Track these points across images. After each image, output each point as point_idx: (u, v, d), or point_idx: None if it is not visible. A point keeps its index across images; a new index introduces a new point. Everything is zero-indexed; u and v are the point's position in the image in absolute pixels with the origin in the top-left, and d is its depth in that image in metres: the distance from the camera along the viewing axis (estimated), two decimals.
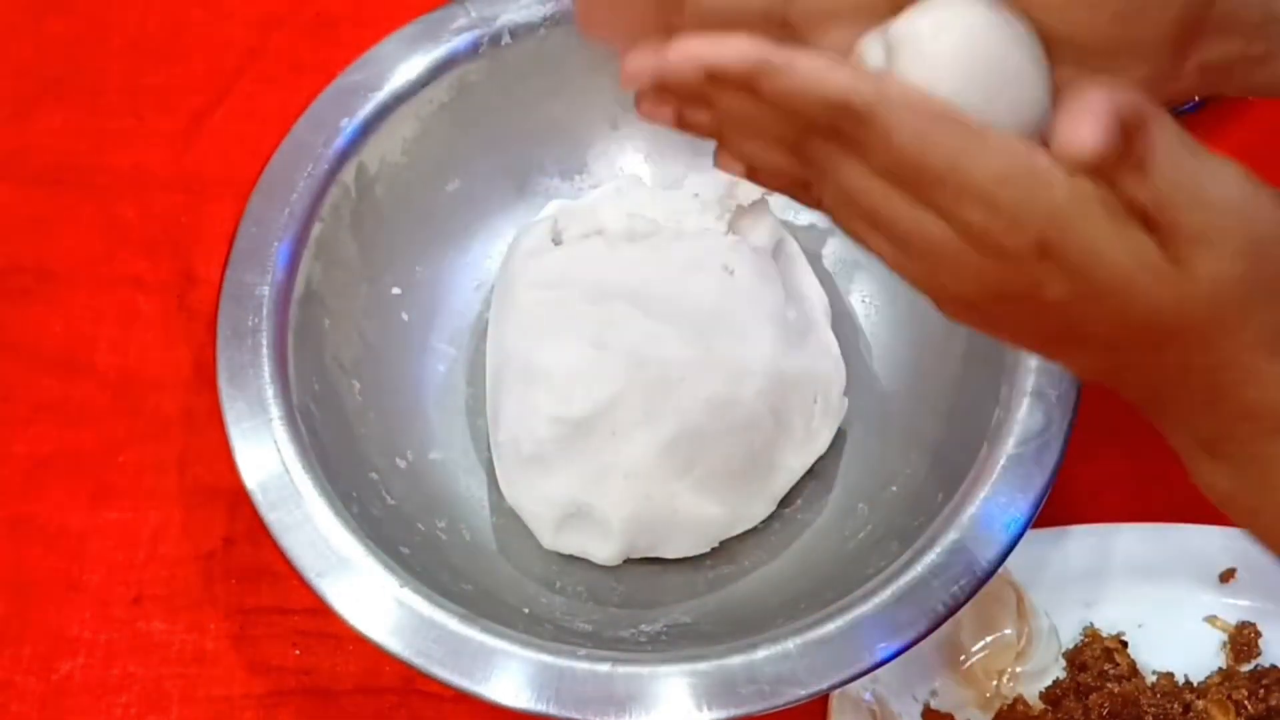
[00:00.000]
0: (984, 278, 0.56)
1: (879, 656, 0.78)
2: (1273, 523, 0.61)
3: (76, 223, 1.06)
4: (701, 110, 0.58)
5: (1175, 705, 0.87)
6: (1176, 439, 0.62)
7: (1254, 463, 0.59)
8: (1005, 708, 0.88)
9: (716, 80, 0.54)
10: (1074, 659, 0.90)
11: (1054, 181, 0.53)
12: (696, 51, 0.54)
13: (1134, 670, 0.89)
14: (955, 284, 0.57)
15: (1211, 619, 0.91)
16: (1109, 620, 0.91)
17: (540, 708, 0.77)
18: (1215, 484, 0.61)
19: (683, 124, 0.59)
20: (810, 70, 0.53)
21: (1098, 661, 0.89)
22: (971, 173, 0.53)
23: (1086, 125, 0.50)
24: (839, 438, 0.93)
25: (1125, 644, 0.90)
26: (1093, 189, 0.53)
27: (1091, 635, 0.90)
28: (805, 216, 0.99)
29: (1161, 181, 0.52)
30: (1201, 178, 0.53)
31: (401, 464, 0.91)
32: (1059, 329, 0.58)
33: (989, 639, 0.89)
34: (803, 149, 0.57)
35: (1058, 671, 0.90)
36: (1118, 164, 0.51)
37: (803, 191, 0.60)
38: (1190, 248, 0.53)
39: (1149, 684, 0.88)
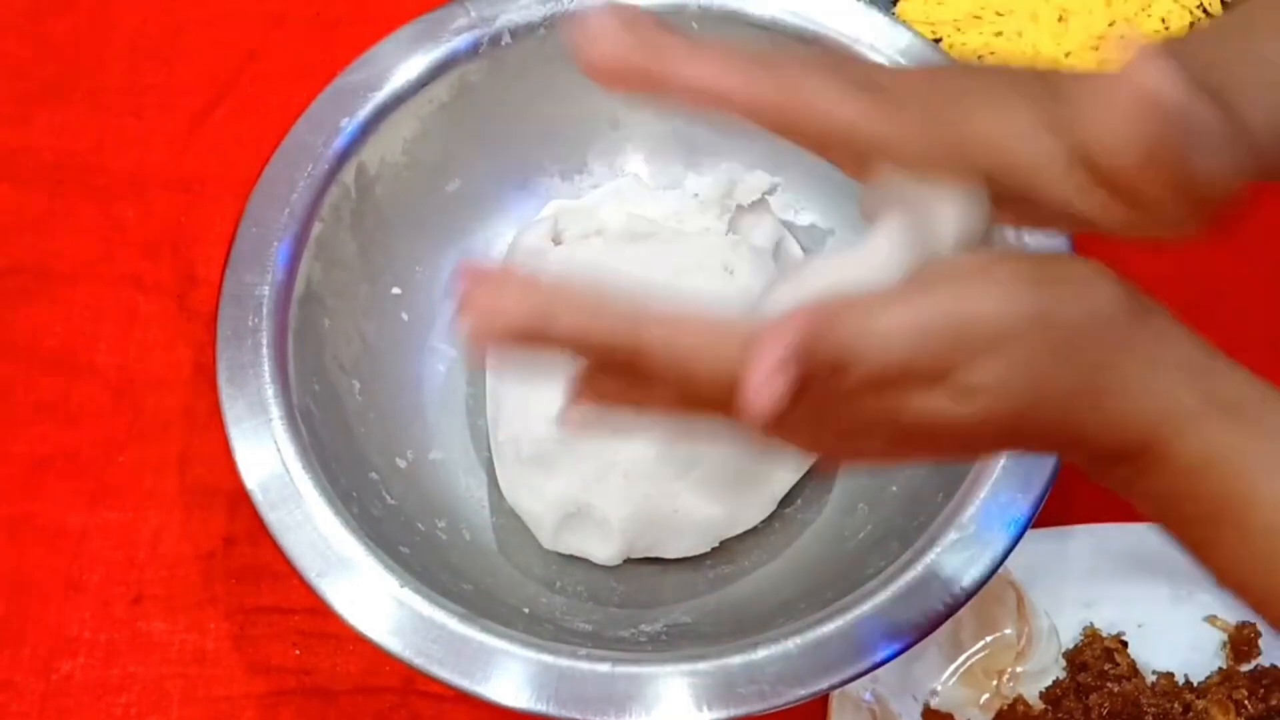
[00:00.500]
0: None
1: (879, 656, 0.78)
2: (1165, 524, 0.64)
3: (76, 223, 1.06)
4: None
5: (1175, 705, 0.87)
6: (1075, 463, 0.64)
7: (1129, 491, 0.62)
8: (1005, 708, 0.88)
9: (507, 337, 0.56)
10: (1074, 659, 0.90)
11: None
12: (491, 324, 0.55)
13: (1134, 670, 0.89)
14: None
15: (1211, 619, 0.91)
16: (1109, 620, 0.91)
17: (540, 708, 0.77)
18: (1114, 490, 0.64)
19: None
20: (573, 323, 0.55)
21: (1098, 661, 0.89)
22: (664, 360, 0.55)
23: (758, 395, 0.52)
24: None
25: (1125, 644, 0.90)
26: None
27: (1091, 635, 0.90)
28: (805, 216, 0.99)
29: (868, 366, 0.55)
30: (906, 327, 0.55)
31: (401, 464, 0.91)
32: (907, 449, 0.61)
33: (989, 639, 0.89)
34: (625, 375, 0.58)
35: (1058, 671, 0.90)
36: (812, 380, 0.54)
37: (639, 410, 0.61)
38: (938, 383, 0.56)
39: (1149, 684, 0.88)
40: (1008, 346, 0.55)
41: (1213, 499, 0.59)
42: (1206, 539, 0.61)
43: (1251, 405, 0.59)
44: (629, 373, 0.56)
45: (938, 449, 0.62)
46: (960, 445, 0.62)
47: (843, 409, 0.56)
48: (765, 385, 0.52)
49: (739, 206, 0.94)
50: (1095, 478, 0.62)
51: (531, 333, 0.55)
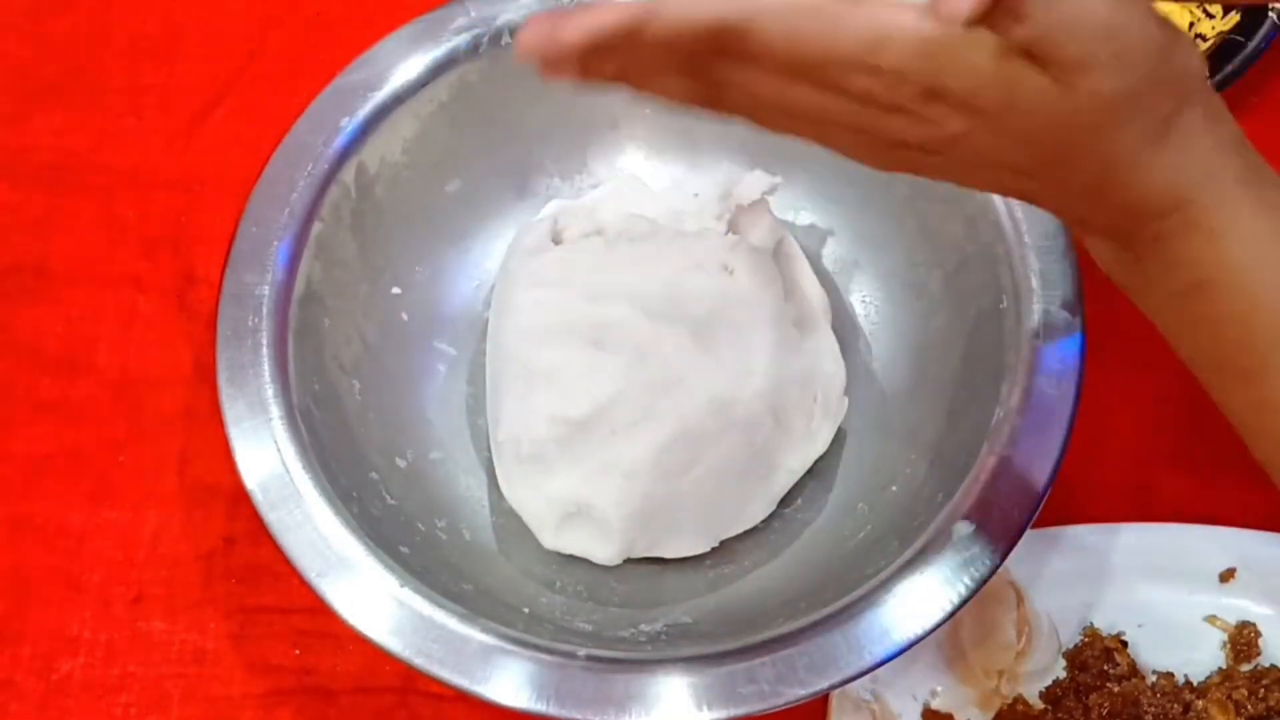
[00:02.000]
0: (892, 132, 0.62)
1: (879, 656, 0.78)
2: (1154, 310, 0.68)
3: (76, 222, 1.06)
4: (605, 61, 0.61)
5: (1175, 705, 0.87)
6: (1089, 240, 0.70)
7: (1147, 252, 0.66)
8: (1005, 707, 0.88)
9: (603, 49, 0.59)
10: (1074, 659, 0.90)
11: (919, 30, 0.58)
12: (577, 27, 0.58)
13: (1134, 670, 0.89)
14: (872, 145, 0.64)
15: (1211, 619, 0.91)
16: (1109, 620, 0.91)
17: (540, 707, 0.77)
18: (1115, 270, 0.69)
19: (587, 74, 0.62)
20: (678, 10, 0.58)
21: (1097, 661, 0.89)
22: (843, 49, 0.59)
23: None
24: (839, 437, 0.93)
25: (1125, 644, 0.90)
26: (962, 32, 0.58)
27: (1091, 635, 0.90)
28: (805, 216, 0.99)
29: (1035, 23, 0.57)
30: (1070, 10, 0.58)
31: (401, 464, 0.91)
32: (974, 161, 0.64)
33: (989, 639, 0.89)
34: (701, 72, 0.61)
35: (1058, 671, 0.90)
36: (996, 15, 0.56)
37: (716, 106, 0.64)
38: (1070, 73, 0.59)
39: (1149, 684, 0.88)
40: (1136, 66, 0.59)
41: (1217, 266, 0.63)
42: (1197, 312, 0.66)
43: (1274, 187, 0.64)
44: (735, 54, 0.59)
45: (999, 155, 0.63)
46: (1026, 155, 0.63)
47: (962, 70, 0.59)
48: None
49: (739, 206, 0.94)
50: (1111, 238, 0.67)
51: (634, 32, 0.58)
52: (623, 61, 0.61)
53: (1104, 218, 0.66)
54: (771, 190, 0.95)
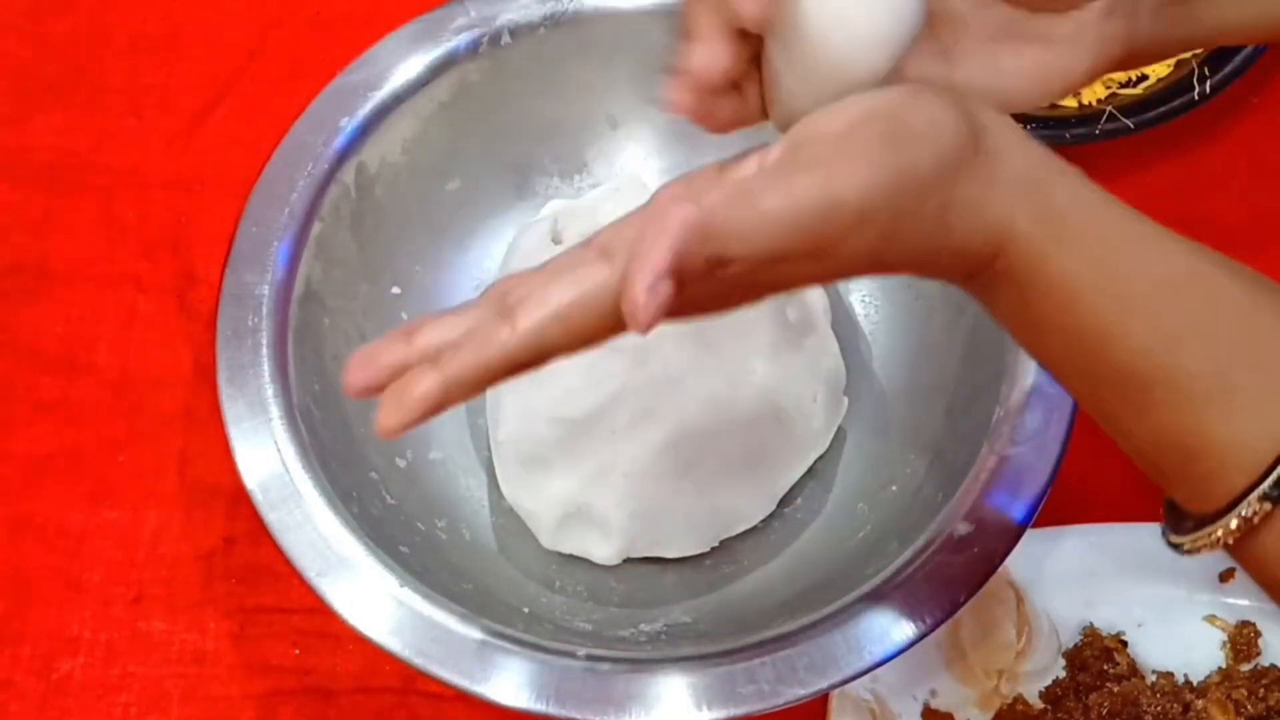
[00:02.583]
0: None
1: (879, 656, 0.78)
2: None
3: (76, 222, 1.06)
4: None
5: (1175, 705, 0.87)
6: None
7: (983, 301, 0.63)
8: (1005, 707, 0.88)
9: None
10: (1073, 658, 0.90)
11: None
12: (394, 423, 0.59)
13: (1134, 670, 0.89)
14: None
15: (1211, 619, 0.91)
16: (1109, 620, 0.91)
17: (539, 707, 0.77)
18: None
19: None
20: (472, 369, 0.58)
21: (1097, 661, 0.89)
22: (598, 333, 0.58)
23: (643, 311, 0.54)
24: (839, 437, 0.93)
25: (1125, 643, 0.90)
26: None
27: (1091, 635, 0.90)
28: None
29: (748, 260, 0.56)
30: (780, 219, 0.56)
31: (401, 464, 0.91)
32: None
33: (989, 639, 0.89)
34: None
35: (1057, 671, 0.90)
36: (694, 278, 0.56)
37: None
38: (813, 258, 0.58)
39: (1149, 684, 0.88)
40: (874, 216, 0.57)
41: (1043, 300, 0.61)
42: (1039, 342, 0.64)
43: (1073, 211, 0.60)
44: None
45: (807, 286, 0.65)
46: (826, 281, 0.66)
47: (721, 288, 0.58)
48: (648, 298, 0.54)
49: None
50: (963, 288, 0.64)
51: (442, 403, 0.58)
52: None
53: (946, 280, 0.64)
54: None
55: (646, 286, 0.53)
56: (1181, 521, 0.62)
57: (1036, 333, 0.62)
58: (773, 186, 0.56)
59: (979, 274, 0.61)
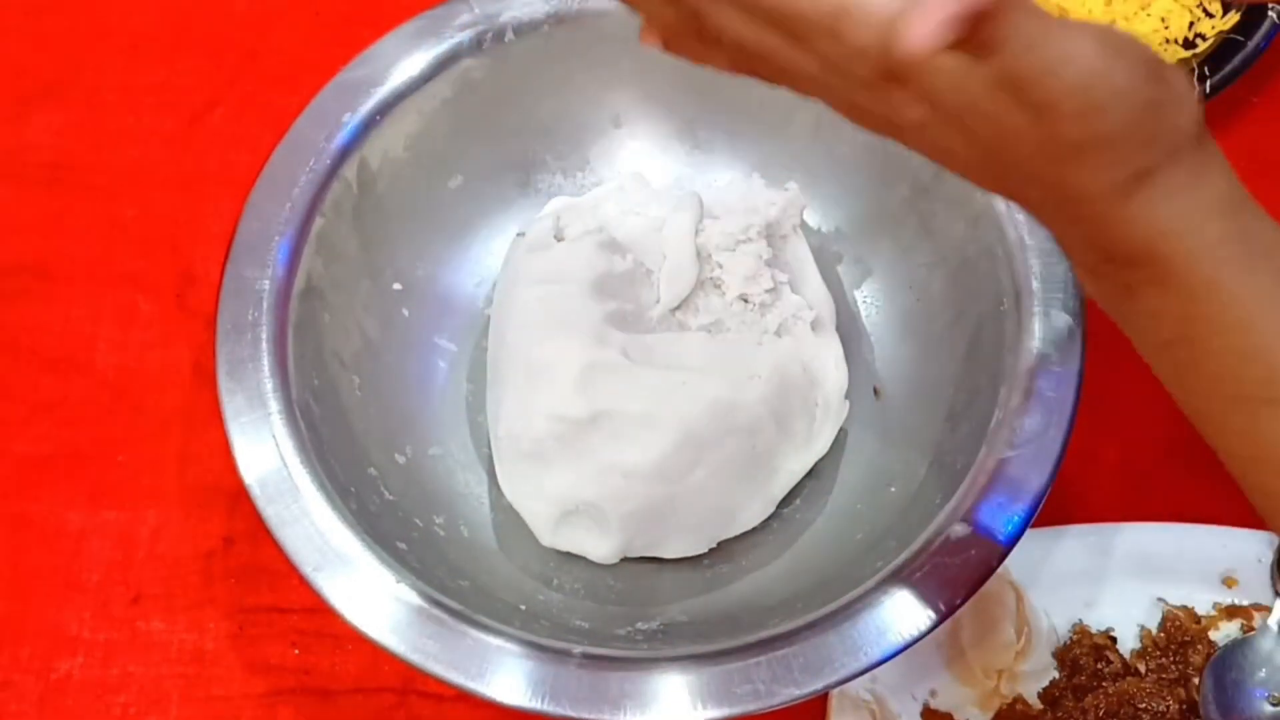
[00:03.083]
0: (855, 99, 0.61)
1: (876, 657, 0.78)
2: (1137, 346, 0.67)
3: (76, 222, 1.06)
4: None
5: (1172, 703, 0.87)
6: (1072, 255, 0.67)
7: (1122, 297, 0.64)
8: (1004, 707, 0.88)
9: None
10: (1064, 657, 0.90)
11: (886, 13, 0.56)
12: None
13: (1127, 668, 0.89)
14: (841, 103, 0.62)
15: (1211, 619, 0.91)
16: (1109, 620, 0.91)
17: (535, 705, 0.77)
18: (1095, 299, 0.67)
19: None
20: None
21: (1088, 659, 0.89)
22: (807, 10, 0.57)
23: (920, 25, 0.53)
24: (839, 438, 0.93)
25: (1114, 639, 0.90)
26: None
27: (1080, 633, 0.90)
28: (811, 218, 0.99)
29: (1013, 59, 0.56)
30: (1055, 55, 0.56)
31: (400, 460, 0.91)
32: (935, 148, 0.63)
33: (988, 639, 0.89)
34: (698, 12, 0.62)
35: (1056, 671, 0.90)
36: (969, 46, 0.55)
37: (698, 49, 0.65)
38: (1042, 109, 0.57)
39: (1146, 682, 0.88)
40: (1114, 114, 0.58)
41: (1202, 323, 0.62)
42: (1182, 361, 0.64)
43: (1266, 249, 0.62)
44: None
45: (958, 150, 0.62)
46: (984, 164, 0.63)
47: (952, 86, 0.58)
48: (940, 19, 0.53)
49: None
50: (1086, 274, 0.65)
51: None
52: None
53: (1073, 246, 0.65)
54: (801, 210, 0.96)
55: (943, 11, 0.53)
56: None
57: (1188, 348, 0.63)
58: (1066, 26, 0.57)
59: (1126, 267, 0.61)
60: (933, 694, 0.88)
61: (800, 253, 0.96)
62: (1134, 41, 0.59)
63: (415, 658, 0.78)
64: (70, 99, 1.11)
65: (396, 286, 0.96)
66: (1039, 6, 0.57)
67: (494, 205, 0.99)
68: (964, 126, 0.59)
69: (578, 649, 0.79)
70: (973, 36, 0.54)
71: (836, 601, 0.80)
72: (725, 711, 0.77)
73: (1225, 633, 0.90)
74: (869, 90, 0.60)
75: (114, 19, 1.15)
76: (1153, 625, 0.91)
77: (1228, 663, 0.87)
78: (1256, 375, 0.62)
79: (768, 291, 0.92)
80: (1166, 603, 0.91)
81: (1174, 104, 0.59)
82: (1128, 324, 0.65)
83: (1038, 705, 0.89)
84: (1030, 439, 0.83)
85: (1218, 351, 0.62)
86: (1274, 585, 0.89)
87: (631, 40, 0.81)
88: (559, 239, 0.93)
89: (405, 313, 0.96)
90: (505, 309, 0.92)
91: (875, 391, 0.95)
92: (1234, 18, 1.08)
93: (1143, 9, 1.09)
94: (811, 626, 0.79)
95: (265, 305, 0.87)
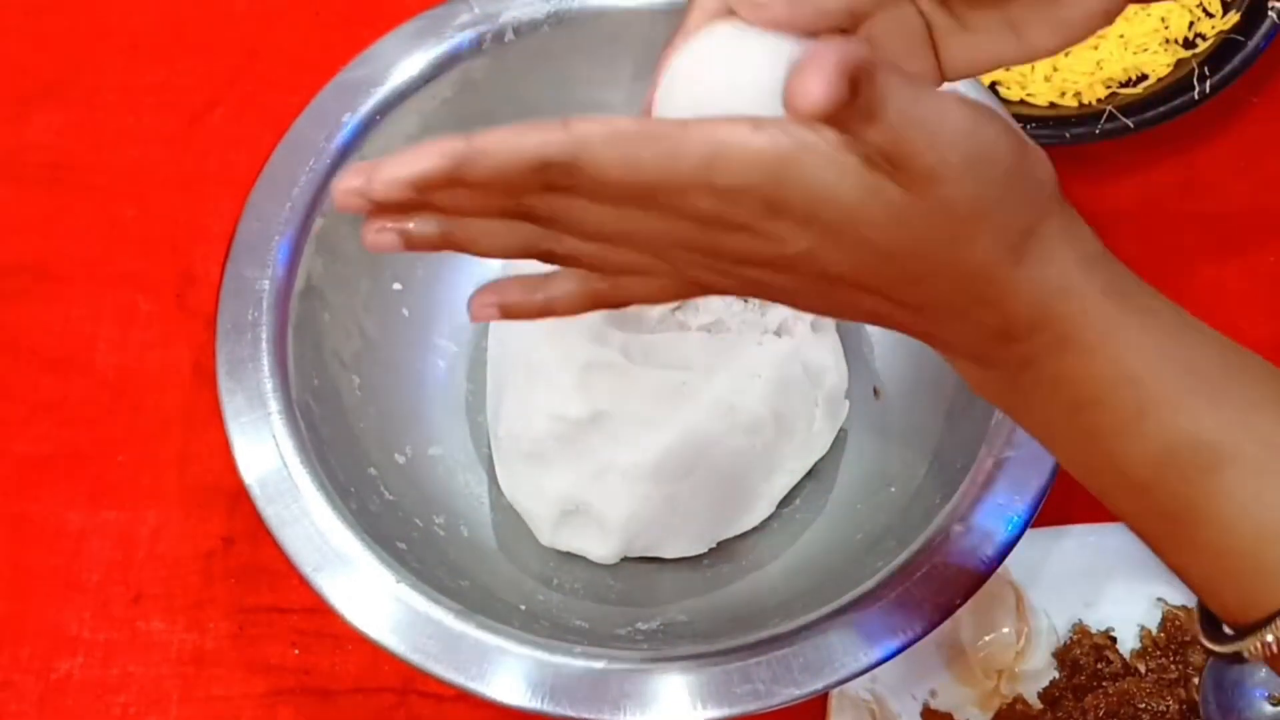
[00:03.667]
0: (737, 251, 0.58)
1: (877, 656, 0.78)
2: (1037, 427, 0.65)
3: (75, 222, 1.06)
4: (427, 221, 0.59)
5: (1171, 703, 0.87)
6: (957, 363, 0.65)
7: (1021, 373, 0.62)
8: (1004, 707, 0.88)
9: (425, 189, 0.56)
10: (1063, 657, 0.90)
11: (754, 143, 0.54)
12: (394, 172, 0.55)
13: (1127, 667, 0.89)
14: (721, 268, 0.60)
15: None
16: (1109, 620, 0.91)
17: (535, 705, 0.76)
18: (988, 392, 0.65)
19: (410, 245, 0.60)
20: (501, 145, 0.54)
21: (1088, 658, 0.89)
22: (680, 170, 0.55)
23: (813, 80, 0.51)
24: (839, 438, 0.93)
25: (1114, 639, 0.90)
26: (801, 138, 0.55)
27: (1080, 633, 0.90)
28: None
29: (890, 125, 0.54)
30: (929, 114, 0.55)
31: (400, 459, 0.91)
32: (825, 282, 0.60)
33: (988, 639, 0.89)
34: (531, 213, 0.58)
35: (1056, 671, 0.90)
36: (849, 114, 0.53)
37: (550, 254, 0.61)
38: (923, 181, 0.55)
39: (1146, 681, 0.88)
40: (990, 174, 0.56)
41: (1099, 384, 0.60)
42: (1091, 424, 0.62)
43: (1141, 296, 0.61)
44: (568, 191, 0.56)
45: (851, 267, 0.60)
46: (877, 266, 0.60)
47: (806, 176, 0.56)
48: (829, 78, 0.51)
49: None
50: (983, 363, 0.63)
51: (456, 172, 0.55)
52: (451, 211, 0.58)
53: (969, 340, 0.62)
54: None
55: (829, 66, 0.51)
56: (1217, 629, 0.63)
57: (1092, 410, 0.61)
58: (932, 89, 0.56)
59: (1022, 338, 0.60)
60: (933, 694, 0.88)
61: None
62: (986, 103, 0.59)
63: (415, 658, 0.78)
64: (70, 99, 1.11)
65: (396, 286, 0.96)
66: (906, 70, 0.56)
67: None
68: (856, 236, 0.57)
69: (578, 649, 0.78)
70: (854, 100, 0.52)
71: (836, 601, 0.80)
72: (725, 711, 0.77)
73: None
74: (750, 234, 0.57)
75: (114, 19, 1.15)
76: (1153, 625, 0.91)
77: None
78: (1149, 431, 0.61)
79: None
80: (1166, 603, 0.91)
81: (1040, 163, 0.59)
82: (1030, 401, 0.63)
83: (1038, 705, 0.89)
84: (1029, 440, 0.83)
85: (1116, 409, 0.61)
86: None
87: (631, 40, 0.81)
88: None
89: (405, 313, 0.96)
90: None
91: (875, 392, 0.95)
92: (1234, 18, 1.08)
93: (1143, 9, 1.09)
94: (811, 626, 0.79)
95: (265, 305, 0.87)
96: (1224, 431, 0.60)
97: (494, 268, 0.96)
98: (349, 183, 0.56)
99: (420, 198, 0.56)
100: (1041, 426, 0.65)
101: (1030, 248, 0.58)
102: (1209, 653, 0.63)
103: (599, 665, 0.78)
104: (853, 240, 0.57)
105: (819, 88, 0.51)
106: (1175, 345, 0.61)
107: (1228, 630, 0.62)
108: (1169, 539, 0.63)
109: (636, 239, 0.59)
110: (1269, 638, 0.60)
